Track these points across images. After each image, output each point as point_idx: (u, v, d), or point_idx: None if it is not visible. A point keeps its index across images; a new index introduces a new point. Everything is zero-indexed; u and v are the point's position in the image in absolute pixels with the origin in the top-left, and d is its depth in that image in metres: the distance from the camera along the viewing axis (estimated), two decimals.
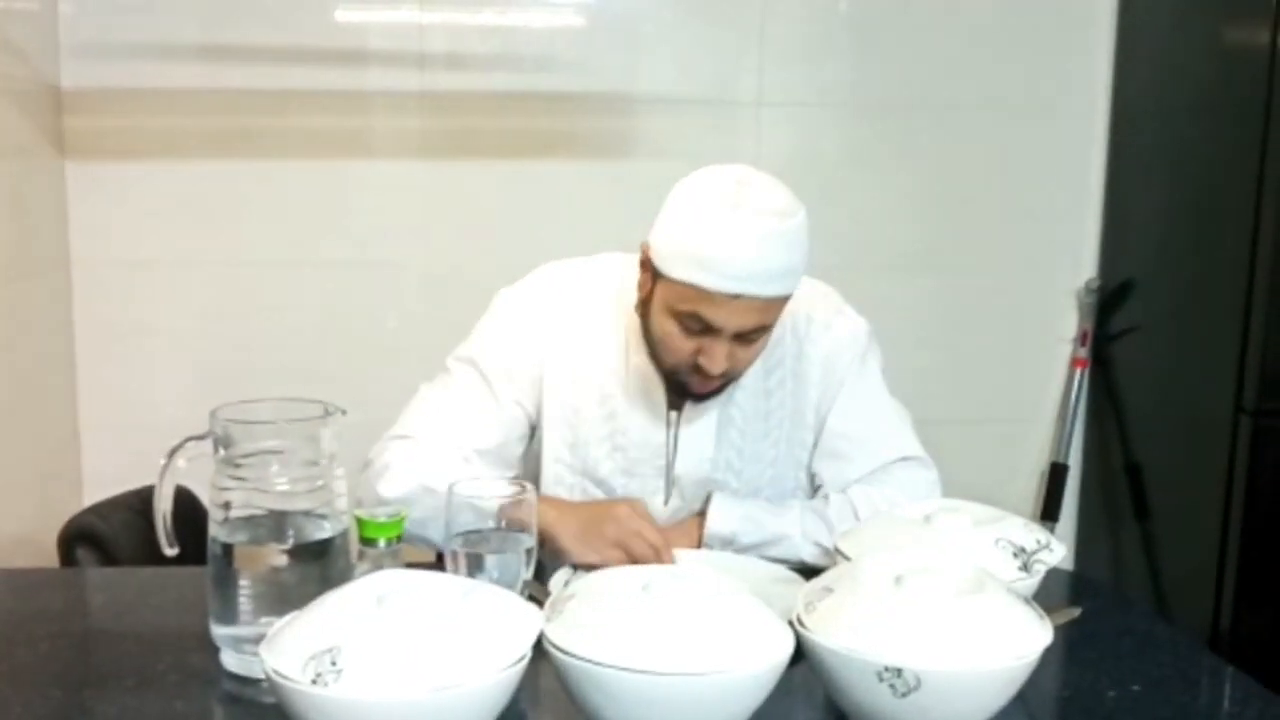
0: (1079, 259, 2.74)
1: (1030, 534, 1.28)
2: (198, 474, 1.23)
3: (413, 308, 2.56)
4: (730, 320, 1.44)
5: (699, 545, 1.54)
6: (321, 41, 2.47)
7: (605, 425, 1.61)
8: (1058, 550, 1.27)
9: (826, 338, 1.64)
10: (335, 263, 2.55)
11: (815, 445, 1.65)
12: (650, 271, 1.50)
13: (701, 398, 1.56)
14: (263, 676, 1.10)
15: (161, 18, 2.42)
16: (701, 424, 1.61)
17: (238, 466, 1.17)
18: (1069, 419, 2.74)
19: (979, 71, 2.65)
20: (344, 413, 1.21)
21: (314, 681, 0.92)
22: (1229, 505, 2.27)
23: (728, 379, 1.53)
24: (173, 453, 1.16)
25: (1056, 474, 2.74)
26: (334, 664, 0.93)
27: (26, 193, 2.32)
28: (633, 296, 1.57)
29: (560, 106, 2.54)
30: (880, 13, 2.60)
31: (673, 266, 1.44)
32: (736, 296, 1.42)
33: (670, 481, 1.62)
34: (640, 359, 1.59)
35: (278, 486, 1.18)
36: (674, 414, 1.60)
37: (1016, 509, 1.35)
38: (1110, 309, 2.70)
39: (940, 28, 2.62)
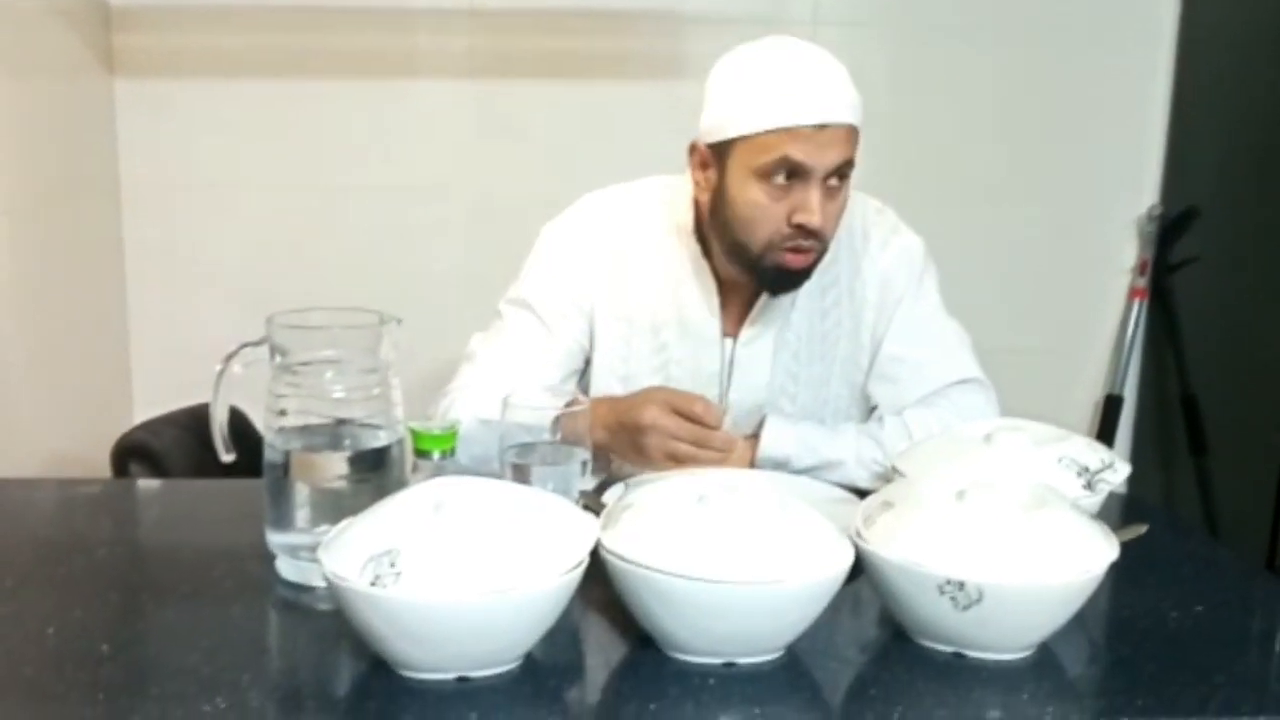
0: (1140, 186, 2.67)
1: (1094, 453, 1.25)
2: (248, 392, 1.23)
3: (460, 229, 2.54)
4: (822, 157, 1.41)
5: (751, 468, 1.53)
6: None
7: (657, 357, 1.60)
8: (1121, 469, 1.25)
9: (883, 256, 1.61)
10: (383, 185, 2.53)
11: (871, 367, 1.62)
12: (712, 163, 1.48)
13: (798, 277, 1.51)
14: (317, 584, 1.11)
15: None
16: (757, 348, 1.59)
17: (294, 374, 1.16)
18: (1125, 351, 2.69)
19: None
20: (399, 321, 1.20)
21: (373, 583, 0.92)
22: None
23: (821, 246, 1.49)
24: (229, 358, 1.16)
25: (1111, 406, 2.69)
26: (393, 565, 0.92)
27: (75, 111, 2.32)
28: (678, 220, 1.55)
29: (611, 25, 2.50)
30: None
31: (750, 121, 1.42)
32: (822, 126, 1.40)
33: (725, 408, 1.60)
34: (691, 287, 1.57)
35: (334, 394, 1.16)
36: (729, 340, 1.59)
37: None
38: (1171, 238, 2.64)
39: None
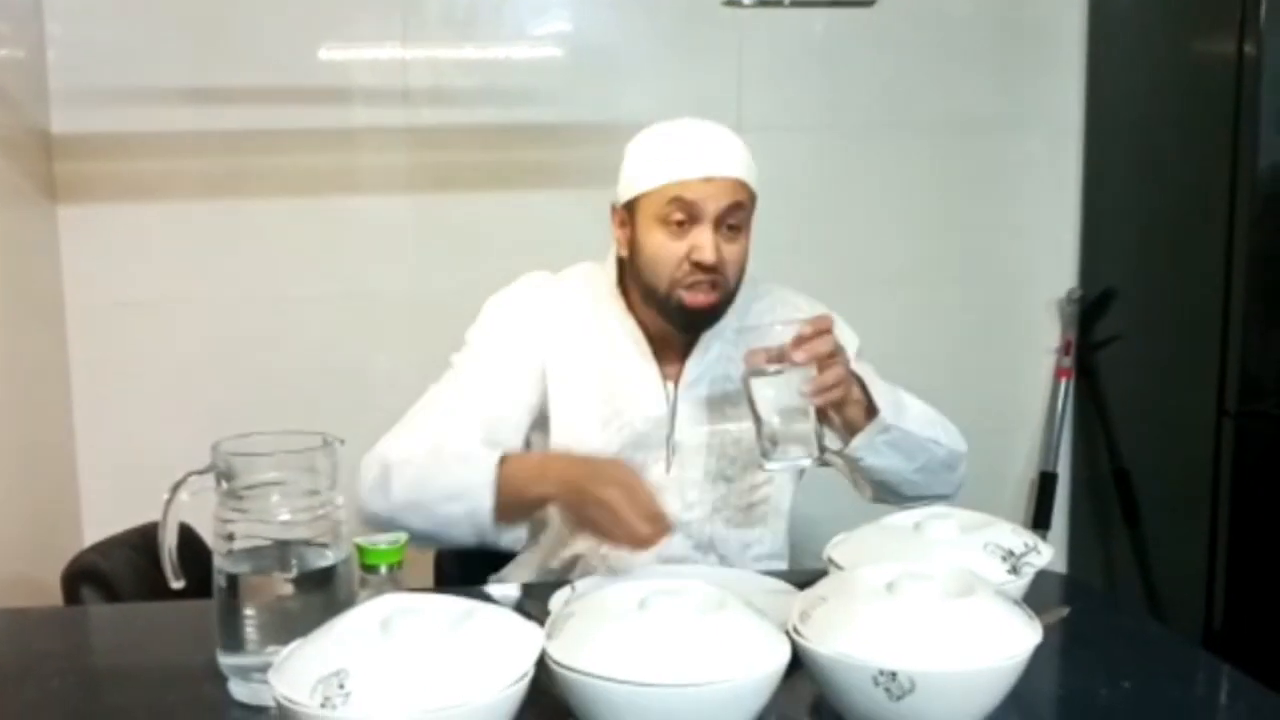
0: (1060, 270, 2.78)
1: (1018, 537, 1.30)
2: (198, 510, 1.25)
3: (404, 340, 2.56)
4: (710, 199, 1.58)
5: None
6: (306, 80, 2.49)
7: (607, 406, 1.68)
8: (1045, 553, 1.29)
9: (797, 298, 1.77)
10: (326, 298, 2.57)
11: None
12: (627, 220, 1.65)
13: (706, 315, 1.63)
14: (271, 704, 1.12)
15: (147, 62, 2.44)
16: (697, 392, 1.69)
17: (240, 498, 1.19)
18: (1056, 428, 2.77)
19: (954, 90, 2.69)
20: (342, 442, 1.23)
21: (323, 705, 0.94)
22: (1216, 506, 2.30)
23: (722, 287, 1.61)
24: (176, 487, 1.18)
25: (1046, 483, 2.76)
26: (342, 687, 0.95)
27: (19, 238, 2.34)
28: (604, 289, 1.71)
29: (544, 137, 2.58)
30: (855, 35, 2.64)
31: (649, 178, 1.60)
32: (708, 179, 1.57)
33: (671, 450, 1.68)
34: (623, 340, 1.69)
35: (280, 517, 1.20)
36: (670, 385, 1.68)
37: (1008, 519, 1.37)
38: (1092, 319, 2.74)
39: (914, 48, 2.66)
